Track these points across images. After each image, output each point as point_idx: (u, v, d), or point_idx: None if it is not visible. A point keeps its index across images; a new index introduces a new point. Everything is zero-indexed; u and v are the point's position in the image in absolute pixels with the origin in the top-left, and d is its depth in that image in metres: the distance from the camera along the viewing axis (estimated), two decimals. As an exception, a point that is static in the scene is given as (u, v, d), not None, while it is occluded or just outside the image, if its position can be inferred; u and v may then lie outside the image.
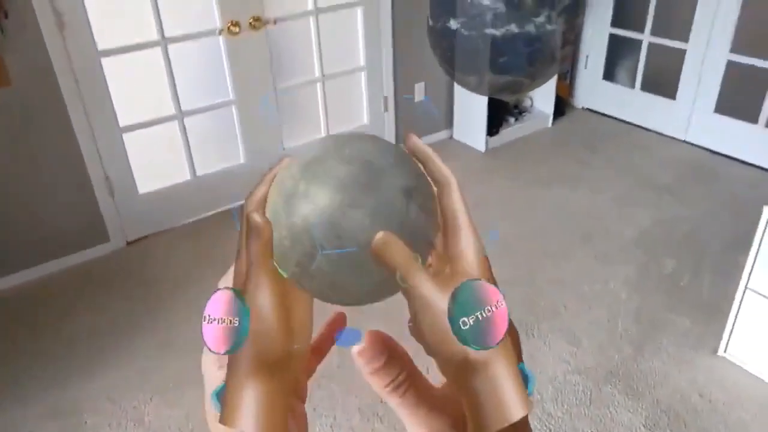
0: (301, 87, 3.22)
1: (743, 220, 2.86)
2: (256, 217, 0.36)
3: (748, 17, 3.19)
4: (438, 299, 0.33)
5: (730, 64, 3.32)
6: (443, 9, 1.37)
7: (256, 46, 2.93)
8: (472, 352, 0.32)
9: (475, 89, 1.48)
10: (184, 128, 2.90)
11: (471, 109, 3.64)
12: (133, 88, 2.75)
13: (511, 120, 3.87)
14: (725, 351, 2.08)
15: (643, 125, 3.85)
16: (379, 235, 0.34)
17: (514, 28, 1.26)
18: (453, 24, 1.36)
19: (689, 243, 2.74)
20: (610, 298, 2.43)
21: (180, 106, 2.84)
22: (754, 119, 3.29)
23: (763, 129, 3.27)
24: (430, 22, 1.36)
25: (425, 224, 0.37)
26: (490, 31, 1.31)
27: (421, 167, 0.39)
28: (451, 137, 3.91)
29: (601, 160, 3.51)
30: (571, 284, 2.52)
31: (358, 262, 0.35)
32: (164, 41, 2.68)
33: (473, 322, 0.32)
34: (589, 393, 2.02)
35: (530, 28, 1.26)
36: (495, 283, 0.35)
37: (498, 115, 3.67)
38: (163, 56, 2.70)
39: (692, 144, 3.60)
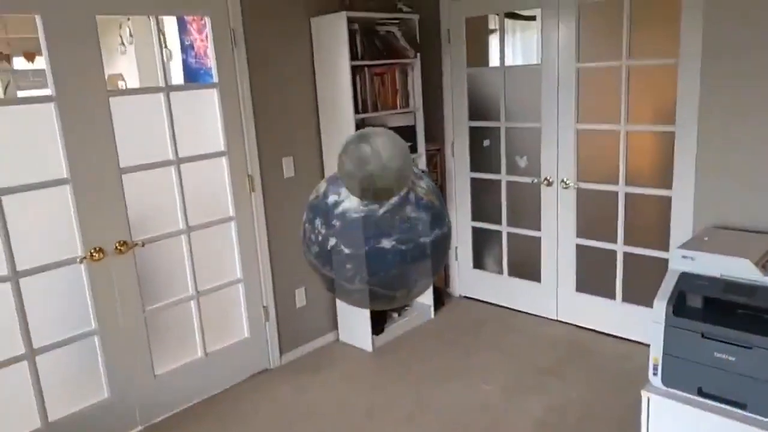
0: (173, 306, 3.06)
1: (626, 395, 2.94)
2: None
3: (583, 208, 3.63)
4: None
5: (579, 247, 3.68)
6: (318, 225, 1.33)
7: (122, 270, 2.79)
8: None
9: (354, 303, 1.45)
10: (35, 368, 2.58)
11: (355, 309, 3.64)
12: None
13: (395, 315, 3.91)
14: None
15: (517, 308, 4.05)
16: None
17: (387, 243, 1.26)
18: (331, 241, 1.33)
19: (584, 428, 2.73)
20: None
21: (31, 343, 2.55)
22: (611, 295, 3.58)
23: (621, 304, 3.55)
24: (308, 245, 1.33)
25: None
26: (365, 248, 1.29)
27: None
28: (337, 340, 3.83)
29: (484, 347, 3.57)
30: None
31: None
32: (15, 275, 2.48)
33: None
34: None
35: (406, 243, 1.26)
36: None
37: (382, 313, 3.69)
38: (13, 293, 2.48)
39: (563, 322, 3.81)
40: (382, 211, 1.08)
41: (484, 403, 2.98)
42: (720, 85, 2.43)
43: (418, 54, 3.70)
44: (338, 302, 3.75)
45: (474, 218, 4.21)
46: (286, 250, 3.49)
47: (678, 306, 1.77)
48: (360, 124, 3.52)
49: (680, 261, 1.86)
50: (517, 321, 3.91)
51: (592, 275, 3.73)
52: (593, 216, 3.67)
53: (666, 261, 3.29)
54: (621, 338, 3.55)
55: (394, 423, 2.86)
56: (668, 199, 3.23)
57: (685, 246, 1.91)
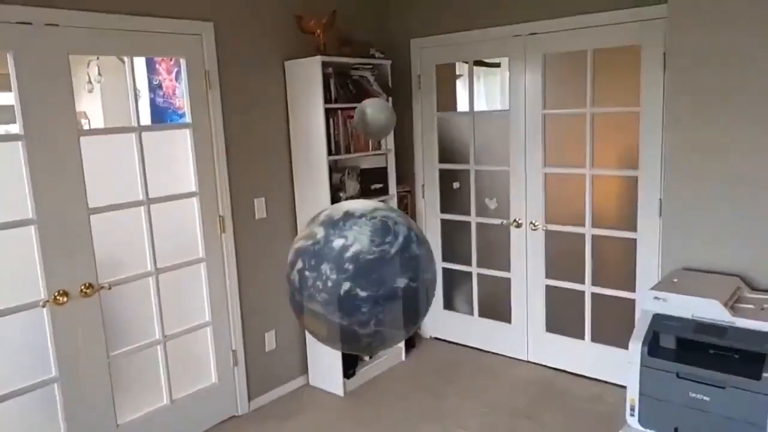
0: (139, 352, 2.95)
1: (598, 436, 2.95)
2: None
3: (552, 249, 3.71)
4: None
5: (548, 288, 3.74)
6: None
7: (86, 313, 2.69)
8: None
9: (362, 350, 1.40)
10: (-11, 419, 2.43)
11: (325, 352, 3.58)
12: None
13: (366, 358, 3.85)
14: None
15: (488, 349, 4.05)
16: None
17: (401, 282, 1.18)
18: (344, 286, 1.25)
19: (558, 470, 2.72)
20: None
21: (-14, 393, 2.41)
22: (581, 335, 3.63)
23: (590, 344, 3.59)
24: (311, 294, 1.29)
25: None
26: (382, 289, 1.19)
27: None
28: (307, 383, 3.74)
29: (456, 390, 3.54)
30: None
31: None
32: (-28, 320, 2.36)
33: None
34: None
35: (416, 281, 1.21)
36: None
37: (353, 356, 3.64)
38: (-31, 337, 2.35)
39: (535, 363, 3.83)
40: (393, 250, 1.08)
41: (459, 448, 2.94)
42: (682, 128, 2.55)
43: (390, 98, 3.77)
44: (309, 345, 3.68)
45: (444, 259, 4.23)
46: (256, 293, 3.44)
47: (652, 347, 1.80)
48: (333, 166, 3.54)
49: (652, 302, 1.91)
50: (489, 362, 3.91)
51: (562, 316, 3.78)
52: (562, 257, 3.74)
53: (632, 301, 3.37)
54: (592, 378, 3.58)
55: (368, 470, 2.79)
56: (633, 241, 3.33)
57: (656, 287, 1.96)
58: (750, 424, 1.63)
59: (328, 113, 3.40)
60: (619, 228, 3.41)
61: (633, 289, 3.37)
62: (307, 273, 1.15)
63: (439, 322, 4.30)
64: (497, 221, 3.89)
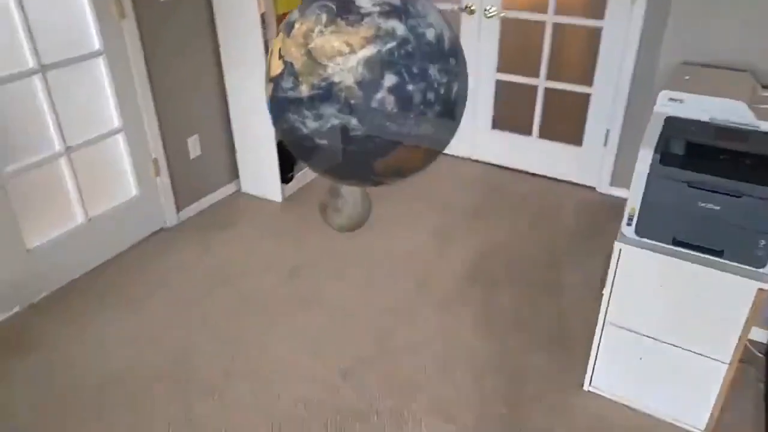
0: (38, 168, 2.45)
1: (547, 234, 2.97)
2: None
3: (507, 40, 3.35)
4: None
5: (499, 83, 3.47)
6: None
7: (-41, 124, 2.11)
8: None
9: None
10: None
11: (259, 156, 3.23)
12: None
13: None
14: (590, 384, 2.06)
15: (429, 148, 3.86)
16: None
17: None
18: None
19: (514, 270, 2.74)
20: (465, 351, 2.27)
21: None
22: (528, 132, 3.49)
23: (536, 140, 3.48)
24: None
25: None
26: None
27: None
28: (238, 190, 3.44)
29: (404, 192, 3.40)
30: (422, 344, 2.30)
31: None
32: None
33: None
34: (486, 478, 1.80)
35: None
36: None
37: (290, 160, 3.32)
38: None
39: (481, 162, 3.71)
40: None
41: (414, 251, 2.87)
42: None
43: None
44: (238, 150, 3.29)
45: (383, 50, 3.77)
46: (173, 95, 2.89)
47: (664, 154, 1.62)
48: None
49: (667, 104, 1.69)
50: (437, 161, 3.74)
51: (510, 113, 3.58)
52: (516, 50, 3.42)
53: (587, 96, 3.20)
54: (539, 175, 3.54)
55: (323, 279, 2.67)
56: (599, 30, 3.04)
57: (669, 87, 1.73)
58: (760, 233, 1.55)
59: None
60: (583, 16, 3.08)
61: (590, 84, 3.17)
62: (410, 87, 0.93)
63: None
64: (447, 7, 3.41)
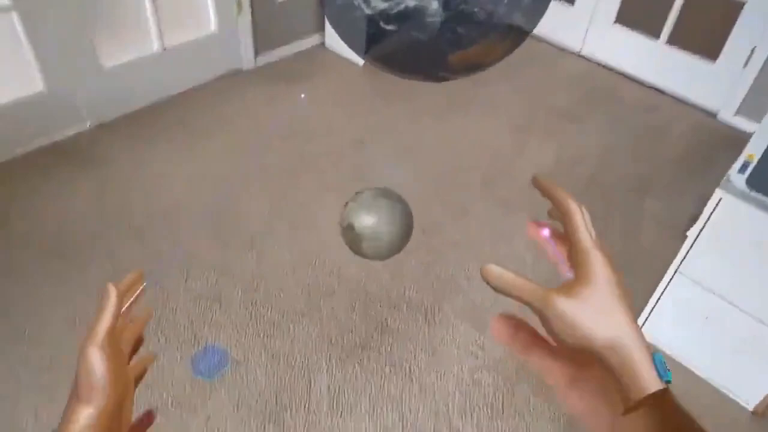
0: (117, -17, 2.35)
1: (645, 154, 2.65)
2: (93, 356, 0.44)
3: None
4: (573, 309, 0.40)
5: (636, -32, 2.94)
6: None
7: None
8: (600, 341, 0.38)
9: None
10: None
11: None
12: None
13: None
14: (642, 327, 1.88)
15: (537, 33, 3.44)
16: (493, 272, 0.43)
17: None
18: None
19: (595, 185, 2.48)
20: (515, 260, 2.13)
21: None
22: (656, 34, 3.00)
23: (663, 45, 3.00)
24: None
25: None
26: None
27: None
28: (322, 44, 3.24)
29: (495, 77, 3.07)
30: (472, 245, 2.17)
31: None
32: None
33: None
34: (500, 397, 1.74)
35: None
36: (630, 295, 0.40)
37: (380, 29, 3.04)
38: None
39: (589, 59, 3.28)
40: None
41: (489, 144, 2.64)
42: None
43: None
44: (328, -1, 3.04)
45: None
46: None
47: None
48: None
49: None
50: (536, 49, 3.35)
51: (640, 7, 3.07)
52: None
53: (741, 5, 2.66)
54: (651, 87, 3.11)
55: (384, 158, 2.53)
56: None
57: None
58: None
59: None
60: None
61: (748, -13, 2.62)
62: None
63: None
64: None
